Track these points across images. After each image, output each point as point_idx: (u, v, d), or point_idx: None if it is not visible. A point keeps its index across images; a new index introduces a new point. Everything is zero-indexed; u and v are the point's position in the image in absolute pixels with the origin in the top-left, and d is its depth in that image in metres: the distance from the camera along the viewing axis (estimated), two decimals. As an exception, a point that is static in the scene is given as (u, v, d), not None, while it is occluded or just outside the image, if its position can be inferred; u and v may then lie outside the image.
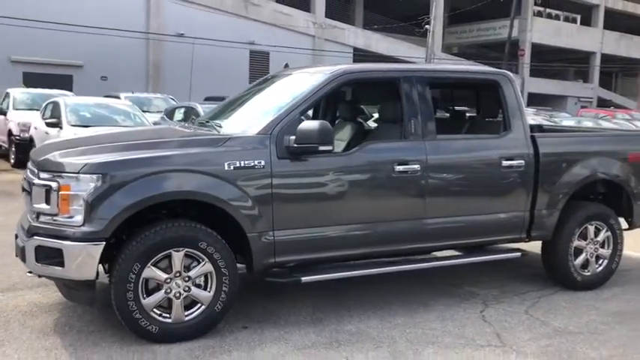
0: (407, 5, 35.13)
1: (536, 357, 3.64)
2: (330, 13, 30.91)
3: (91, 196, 3.42)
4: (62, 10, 22.18)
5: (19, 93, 14.52)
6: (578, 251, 4.95)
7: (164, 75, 25.50)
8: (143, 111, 14.02)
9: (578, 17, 41.54)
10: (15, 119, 12.77)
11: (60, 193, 3.46)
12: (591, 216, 4.95)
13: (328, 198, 3.99)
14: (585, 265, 4.99)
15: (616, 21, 42.11)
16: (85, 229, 3.42)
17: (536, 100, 36.91)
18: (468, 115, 5.23)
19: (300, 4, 30.04)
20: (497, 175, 4.52)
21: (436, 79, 4.58)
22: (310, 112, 5.23)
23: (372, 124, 5.31)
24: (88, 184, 3.43)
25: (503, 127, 4.67)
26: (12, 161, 12.74)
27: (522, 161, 4.57)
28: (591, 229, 4.97)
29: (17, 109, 13.54)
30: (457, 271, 5.25)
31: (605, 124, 19.68)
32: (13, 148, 12.66)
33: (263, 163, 3.75)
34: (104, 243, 3.45)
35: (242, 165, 3.70)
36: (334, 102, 5.38)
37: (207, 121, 4.43)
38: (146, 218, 3.65)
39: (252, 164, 3.73)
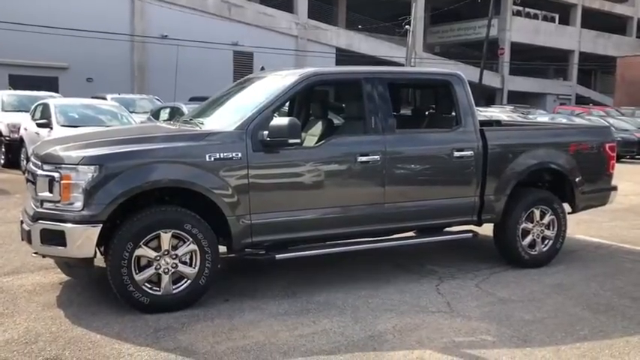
0: (389, 6, 35.76)
1: (478, 320, 4.21)
2: (313, 14, 31.44)
3: (89, 185, 3.93)
4: (47, 12, 22.53)
5: (7, 95, 14.88)
6: (526, 233, 5.54)
7: (149, 76, 25.90)
8: (129, 112, 14.46)
9: (557, 16, 42.51)
10: (4, 120, 13.15)
11: (61, 182, 3.96)
12: (537, 200, 5.55)
13: (298, 186, 4.53)
14: (532, 245, 5.58)
15: (593, 20, 43.13)
16: (85, 213, 3.93)
17: (516, 98, 37.81)
18: (426, 112, 5.80)
19: (283, 6, 30.54)
20: (449, 164, 5.10)
21: (395, 80, 5.16)
22: (286, 109, 5.79)
23: (338, 122, 5.86)
24: (87, 175, 3.94)
25: (455, 122, 5.25)
26: (2, 161, 13.12)
27: (472, 152, 5.15)
28: (537, 212, 5.57)
29: (6, 111, 13.89)
30: (419, 253, 5.84)
31: (578, 120, 20.46)
32: (3, 149, 13.05)
33: (240, 155, 4.29)
34: (101, 225, 3.97)
35: (221, 157, 4.23)
36: (307, 101, 5.93)
37: (191, 119, 4.96)
38: (137, 205, 4.16)
39: (230, 156, 4.26)
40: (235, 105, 4.97)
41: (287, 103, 5.23)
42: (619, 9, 45.41)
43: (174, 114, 12.24)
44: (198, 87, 23.03)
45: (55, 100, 11.94)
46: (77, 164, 3.98)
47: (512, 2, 38.34)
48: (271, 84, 4.91)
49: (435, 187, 5.10)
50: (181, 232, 4.15)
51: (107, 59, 24.45)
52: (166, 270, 4.14)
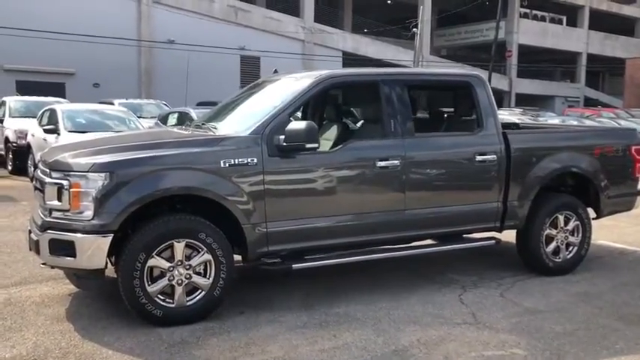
0: (395, 9, 35.64)
1: (507, 332, 4.02)
2: (319, 18, 31.33)
3: (99, 193, 3.77)
4: (54, 18, 22.48)
5: (14, 101, 14.80)
6: (550, 239, 5.33)
7: (156, 81, 25.83)
8: (137, 117, 14.34)
9: (564, 18, 42.22)
10: (12, 127, 13.06)
11: (71, 190, 3.80)
12: (561, 206, 5.35)
13: (316, 192, 4.35)
14: (556, 252, 5.37)
15: (601, 21, 42.83)
16: (95, 222, 3.77)
17: (524, 101, 37.54)
18: (445, 114, 5.62)
19: (289, 10, 30.45)
20: (471, 169, 4.91)
21: (413, 82, 4.98)
22: (299, 114, 5.62)
23: (354, 126, 5.69)
24: (97, 182, 3.78)
25: (477, 125, 5.06)
26: (9, 168, 13.02)
27: (494, 156, 4.96)
28: (561, 218, 5.36)
29: (13, 117, 13.82)
30: (440, 261, 5.65)
31: (589, 123, 20.18)
32: (11, 155, 12.95)
33: (255, 160, 4.12)
34: (112, 235, 3.80)
35: (236, 162, 4.06)
36: (321, 105, 5.76)
37: (203, 124, 4.80)
38: (149, 213, 4.00)
39: (246, 162, 4.09)
40: (249, 109, 4.81)
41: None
42: (627, 10, 45.07)
43: (183, 119, 12.11)
44: (206, 92, 22.94)
45: (62, 106, 11.84)
46: (87, 171, 3.82)
47: (520, 4, 38.12)
48: (286, 87, 4.74)
49: (457, 193, 4.91)
50: (195, 242, 3.98)
51: (114, 65, 24.38)
52: (180, 281, 3.97)
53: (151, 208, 3.98)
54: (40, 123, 11.78)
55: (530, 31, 39.28)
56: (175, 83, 23.62)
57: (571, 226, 5.40)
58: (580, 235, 5.45)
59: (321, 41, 30.76)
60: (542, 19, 41.40)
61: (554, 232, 5.35)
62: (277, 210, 4.21)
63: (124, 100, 16.56)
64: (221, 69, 26.04)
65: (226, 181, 4.03)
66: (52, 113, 11.44)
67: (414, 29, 26.84)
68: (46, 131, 10.88)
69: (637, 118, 26.24)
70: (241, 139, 4.18)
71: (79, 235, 3.78)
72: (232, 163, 4.05)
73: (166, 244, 3.92)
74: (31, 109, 13.94)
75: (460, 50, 41.63)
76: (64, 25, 22.35)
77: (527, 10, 39.60)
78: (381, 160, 4.52)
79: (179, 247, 3.95)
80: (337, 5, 35.91)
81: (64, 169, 3.94)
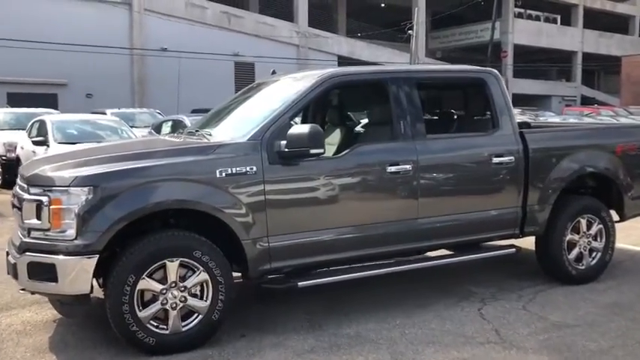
0: (389, 12, 35.40)
1: (536, 352, 3.64)
2: (313, 22, 31.08)
3: (82, 209, 3.38)
4: (45, 29, 22.13)
5: (3, 113, 14.42)
6: (572, 245, 4.97)
7: (149, 90, 25.48)
8: (130, 126, 13.96)
9: (558, 17, 42.09)
10: (0, 139, 12.67)
11: (51, 207, 3.42)
12: (582, 209, 4.98)
13: (321, 202, 3.98)
14: (579, 258, 5.01)
15: (595, 20, 42.70)
16: (78, 242, 3.38)
17: (521, 101, 37.24)
18: (456, 114, 5.25)
19: (283, 15, 30.19)
20: (487, 172, 4.55)
21: (423, 80, 4.61)
22: (299, 119, 5.25)
23: (359, 129, 5.32)
24: (79, 197, 3.40)
25: (491, 125, 4.70)
26: (-1, 182, 12.61)
27: (512, 157, 4.60)
28: (583, 222, 5.00)
29: (2, 129, 13.43)
30: (454, 271, 5.26)
31: (590, 121, 19.89)
32: (0, 169, 12.54)
33: (255, 169, 3.74)
34: (98, 256, 3.42)
35: (234, 172, 3.69)
36: (323, 107, 5.39)
37: (197, 130, 4.42)
38: (139, 230, 3.62)
39: (244, 171, 3.72)
40: (247, 113, 4.44)
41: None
42: (620, 8, 44.98)
43: (177, 127, 11.72)
44: (200, 99, 22.58)
45: (52, 117, 11.46)
46: (68, 186, 3.43)
47: (514, 4, 37.93)
48: (286, 88, 4.38)
49: (473, 199, 4.54)
50: (190, 261, 3.60)
51: (106, 74, 24.04)
52: (174, 305, 3.58)
53: (140, 225, 3.60)
54: (29, 135, 11.40)
55: (525, 31, 39.08)
56: (169, 91, 23.22)
57: (594, 230, 5.04)
58: (604, 239, 5.08)
59: (315, 46, 30.47)
60: (537, 18, 41.26)
61: (576, 237, 4.98)
62: (280, 223, 3.83)
63: (116, 110, 16.21)
64: (215, 76, 25.70)
65: (223, 192, 3.66)
66: (42, 125, 11.06)
67: (410, 31, 26.57)
68: (35, 143, 10.50)
69: (636, 115, 26.03)
70: (238, 145, 3.81)
71: (60, 257, 3.40)
72: (229, 172, 3.68)
73: (158, 264, 3.54)
74: (20, 121, 13.58)
75: (455, 52, 41.37)
76: (55, 35, 22.06)
77: (522, 10, 39.44)
78: (391, 165, 4.15)
79: (172, 266, 3.57)
80: (331, 9, 35.65)
81: (43, 183, 3.56)
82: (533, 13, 40.58)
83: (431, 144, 4.36)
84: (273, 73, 5.17)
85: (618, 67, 38.04)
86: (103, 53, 23.02)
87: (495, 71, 4.81)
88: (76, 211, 3.38)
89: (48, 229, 3.44)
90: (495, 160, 4.55)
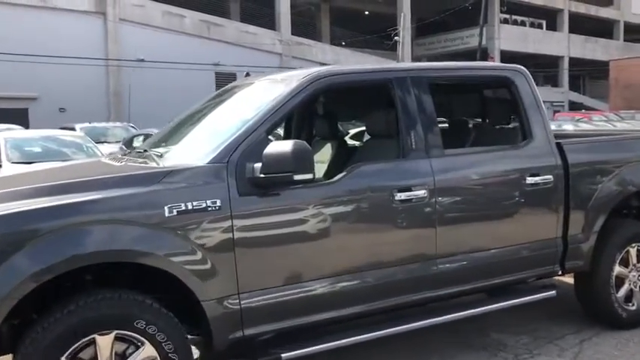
0: (373, 20, 34.70)
1: None
2: (296, 31, 30.22)
3: (-26, 266, 2.36)
4: (13, 39, 20.95)
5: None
6: (620, 281, 4.02)
7: (126, 102, 24.32)
8: (101, 142, 12.90)
9: (544, 22, 41.75)
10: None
11: None
12: (633, 237, 4.04)
13: (311, 243, 2.99)
14: (629, 297, 4.06)
15: (580, 25, 42.42)
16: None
17: (509, 107, 36.64)
18: (480, 122, 4.28)
19: (265, 23, 29.30)
20: (520, 195, 3.58)
21: (437, 80, 3.62)
22: (281, 132, 4.28)
23: (357, 144, 4.33)
24: (-32, 250, 2.38)
25: (522, 135, 3.74)
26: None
27: (550, 176, 3.64)
28: (633, 252, 4.06)
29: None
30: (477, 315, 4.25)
31: (586, 126, 19.12)
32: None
33: (218, 202, 2.74)
34: (-6, 332, 2.39)
35: (189, 208, 2.68)
36: (310, 116, 4.42)
37: (145, 151, 3.39)
38: (63, 287, 2.61)
39: (204, 205, 2.71)
40: (211, 126, 3.44)
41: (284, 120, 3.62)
42: (604, 13, 44.83)
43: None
44: (179, 111, 21.44)
45: (6, 134, 10.35)
46: (-49, 234, 2.41)
47: (500, 10, 37.47)
48: (262, 94, 3.38)
49: (504, 230, 3.57)
50: (131, 333, 2.58)
51: (80, 87, 22.90)
52: (108, 396, 2.55)
53: (64, 281, 2.59)
54: (-18, 154, 10.25)
55: (512, 37, 38.59)
56: (146, 103, 22.28)
57: (646, 261, 4.09)
58: (658, 272, 4.13)
59: (299, 54, 29.55)
60: (522, 23, 40.88)
61: (625, 270, 4.04)
62: (255, 274, 2.83)
63: (86, 125, 15.13)
64: (195, 87, 24.52)
65: (174, 237, 2.65)
66: (-5, 142, 9.93)
67: (396, 37, 25.78)
68: (-14, 163, 9.38)
69: (628, 120, 25.40)
70: (196, 171, 2.80)
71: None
72: (182, 209, 2.67)
73: (84, 340, 2.51)
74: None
75: (441, 58, 40.65)
76: (24, 46, 20.89)
77: (507, 16, 39.02)
78: (400, 191, 3.16)
79: (105, 342, 2.55)
80: (315, 17, 34.86)
81: None
82: (519, 18, 40.21)
83: (450, 161, 3.39)
84: (247, 75, 4.14)
85: (604, 72, 37.60)
86: (76, 65, 21.88)
87: (524, 68, 3.86)
88: (-36, 269, 2.36)
89: None
90: (529, 180, 3.58)
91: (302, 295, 2.94)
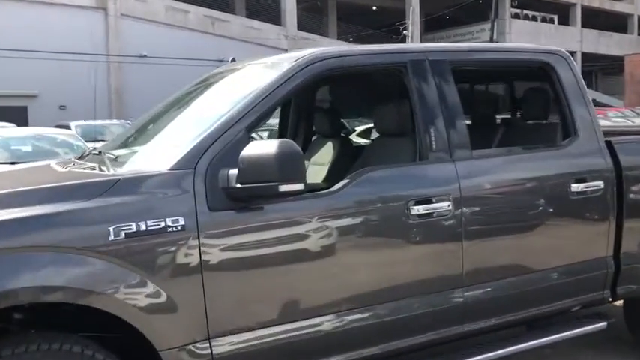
0: (380, 15, 34.05)
1: None
2: (302, 26, 29.59)
3: None
4: (12, 36, 20.44)
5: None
6: (680, 307, 3.35)
7: (127, 99, 23.83)
8: (97, 140, 12.31)
9: (555, 17, 40.91)
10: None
11: None
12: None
13: (306, 271, 2.34)
14: (690, 327, 3.38)
15: (593, 19, 41.53)
16: None
17: (521, 104, 35.89)
18: (513, 116, 3.61)
19: (270, 19, 28.70)
20: (564, 206, 2.92)
21: (463, 64, 2.95)
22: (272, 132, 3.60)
23: (363, 142, 3.67)
24: None
25: (564, 132, 3.07)
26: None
27: (599, 182, 2.97)
28: (695, 273, 3.37)
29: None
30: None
31: (604, 123, 18.37)
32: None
33: (182, 221, 2.10)
34: None
35: (141, 229, 2.04)
36: (308, 109, 3.76)
37: (99, 153, 2.74)
38: None
39: (162, 225, 2.07)
40: (182, 122, 2.78)
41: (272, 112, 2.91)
42: (619, 7, 43.88)
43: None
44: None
45: (-8, 132, 9.79)
46: None
47: (510, 5, 36.69)
48: (245, 81, 2.74)
49: (544, 249, 2.90)
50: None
51: (81, 84, 22.26)
52: None
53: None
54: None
55: (523, 32, 37.71)
56: (149, 100, 21.63)
57: None
58: None
59: (305, 50, 28.91)
60: (534, 18, 40.09)
61: (686, 295, 3.35)
62: (231, 313, 2.20)
63: (81, 122, 14.57)
64: (199, 83, 24.06)
65: (121, 267, 2.00)
66: (-22, 142, 9.38)
67: (405, 32, 25.07)
68: (-32, 164, 8.81)
69: (645, 116, 24.58)
70: (153, 180, 2.16)
71: None
72: (133, 230, 2.03)
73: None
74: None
75: (451, 54, 39.97)
76: (23, 42, 20.38)
77: (518, 10, 38.22)
78: (418, 204, 2.50)
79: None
80: (321, 13, 34.20)
81: None
82: (530, 13, 39.40)
83: (480, 166, 2.73)
84: (233, 61, 3.48)
85: (617, 67, 36.70)
86: (77, 61, 21.40)
87: (566, 52, 3.19)
88: None
89: None
90: (574, 187, 2.91)
91: (295, 336, 2.29)
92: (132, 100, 23.37)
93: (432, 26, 38.80)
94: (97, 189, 2.08)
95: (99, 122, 16.04)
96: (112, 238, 2.00)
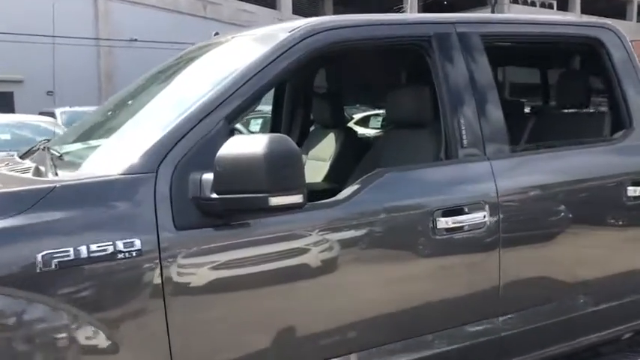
0: (376, 0, 33.37)
1: None
2: (298, 9, 28.93)
3: None
4: (-4, 19, 19.77)
5: None
6: None
7: (117, 84, 23.14)
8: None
9: (554, 3, 40.38)
10: None
11: None
12: None
13: (305, 302, 1.82)
14: None
15: (592, 5, 40.99)
16: None
17: (519, 91, 35.42)
18: (556, 104, 3.06)
19: (264, 1, 28.01)
20: (618, 214, 2.39)
21: (498, 39, 2.40)
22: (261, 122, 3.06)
23: (374, 133, 3.13)
24: None
25: (617, 124, 2.54)
26: None
27: (660, 184, 2.45)
28: None
29: None
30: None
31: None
32: None
33: (138, 243, 1.56)
34: None
35: (82, 255, 1.50)
36: (305, 93, 3.21)
37: (47, 148, 2.17)
38: None
39: (110, 251, 1.53)
40: (146, 110, 2.22)
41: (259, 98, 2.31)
42: (618, -8, 43.35)
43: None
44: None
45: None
46: None
47: (509, -11, 36.14)
48: (231, 58, 2.19)
49: (595, 266, 2.39)
50: None
51: (70, 69, 21.69)
52: None
53: None
54: None
55: (522, 17, 37.31)
56: (139, 86, 21.08)
57: None
58: None
59: (300, 34, 28.29)
60: (532, 4, 39.57)
61: None
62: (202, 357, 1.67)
63: (67, 109, 13.97)
64: (190, 68, 23.45)
65: (54, 308, 1.47)
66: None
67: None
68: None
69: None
70: (101, 187, 1.62)
71: None
72: (70, 258, 1.49)
73: None
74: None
75: (448, 40, 39.43)
76: (8, 25, 19.70)
77: (516, -5, 37.70)
78: (445, 215, 1.97)
79: None
80: (317, -4, 33.54)
81: None
82: (529, -2, 38.92)
83: (521, 165, 2.19)
84: (216, 35, 2.90)
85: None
86: (65, 45, 20.70)
87: (616, 27, 2.65)
88: None
89: None
90: (631, 191, 2.38)
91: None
92: (123, 85, 22.59)
93: (430, 10, 38.05)
94: (23, 201, 1.53)
95: (85, 108, 15.42)
96: (40, 268, 1.46)
